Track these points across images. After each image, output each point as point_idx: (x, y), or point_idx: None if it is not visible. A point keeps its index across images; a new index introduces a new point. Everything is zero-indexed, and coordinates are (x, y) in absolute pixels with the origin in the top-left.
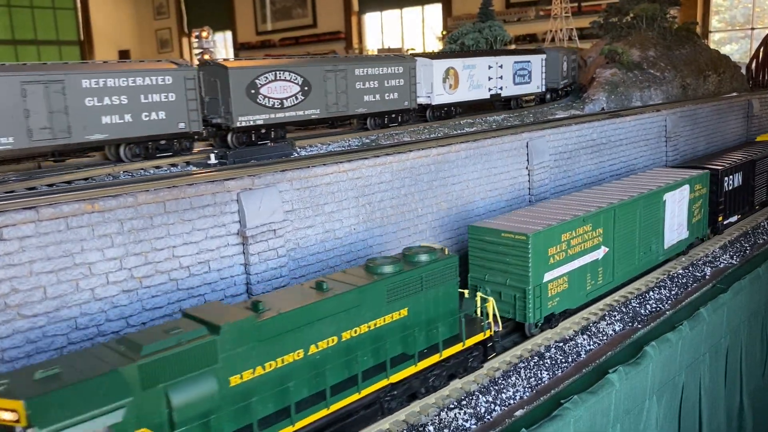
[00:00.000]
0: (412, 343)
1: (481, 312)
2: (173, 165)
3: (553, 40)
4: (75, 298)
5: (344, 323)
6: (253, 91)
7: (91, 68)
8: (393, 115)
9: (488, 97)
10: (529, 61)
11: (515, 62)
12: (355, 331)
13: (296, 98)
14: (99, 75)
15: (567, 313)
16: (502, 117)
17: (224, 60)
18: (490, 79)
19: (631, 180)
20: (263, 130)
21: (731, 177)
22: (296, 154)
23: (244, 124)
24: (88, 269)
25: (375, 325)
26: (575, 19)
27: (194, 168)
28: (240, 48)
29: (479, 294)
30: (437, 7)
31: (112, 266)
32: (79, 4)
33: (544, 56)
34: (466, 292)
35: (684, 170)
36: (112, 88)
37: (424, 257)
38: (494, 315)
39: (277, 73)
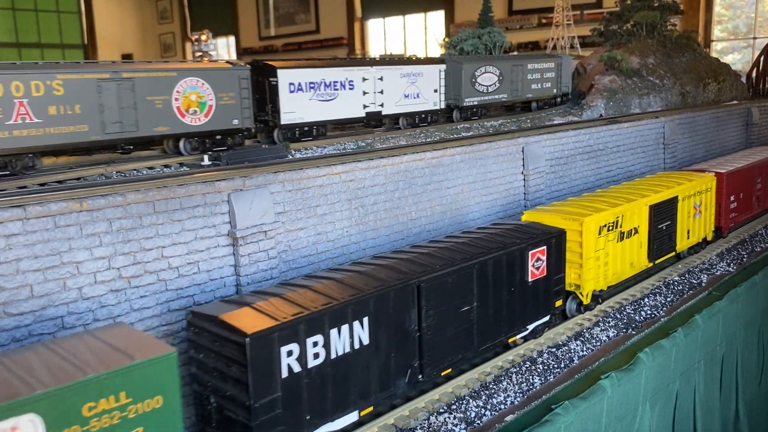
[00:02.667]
0: None
1: None
2: (166, 166)
3: (554, 47)
4: (62, 297)
5: None
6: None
7: (530, 59)
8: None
9: None
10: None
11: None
12: None
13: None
14: (534, 61)
15: None
16: (499, 122)
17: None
18: None
19: None
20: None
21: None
22: (290, 157)
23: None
24: (76, 268)
25: None
26: (577, 27)
27: (187, 169)
28: (243, 53)
29: None
30: (440, 14)
31: (100, 265)
32: (83, 8)
33: None
34: None
35: None
36: (535, 69)
37: None
38: None
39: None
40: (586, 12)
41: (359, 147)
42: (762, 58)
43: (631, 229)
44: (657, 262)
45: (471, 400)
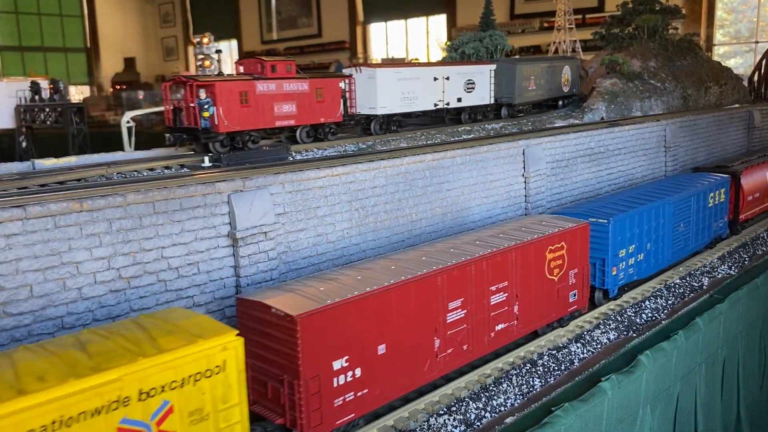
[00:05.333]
0: None
1: None
2: (167, 167)
3: (556, 51)
4: (62, 297)
5: None
6: None
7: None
8: None
9: None
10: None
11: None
12: None
13: None
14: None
15: None
16: (500, 125)
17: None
18: None
19: None
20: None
21: None
22: (291, 158)
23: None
24: (76, 268)
25: None
26: (579, 31)
27: (188, 170)
28: (245, 56)
29: None
30: (442, 18)
31: (100, 266)
32: (86, 12)
33: None
34: None
35: None
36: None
37: None
38: None
39: None
40: (588, 16)
41: (360, 149)
42: (764, 62)
43: None
44: None
45: (471, 402)
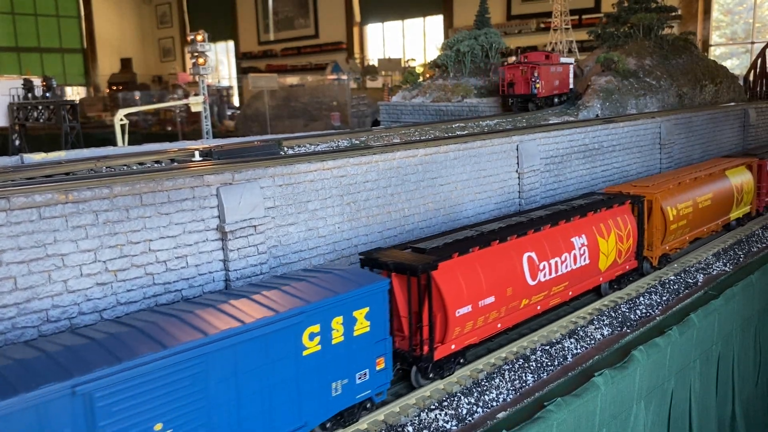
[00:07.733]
0: None
1: None
2: (157, 161)
3: (552, 51)
4: (47, 290)
5: None
6: None
7: None
8: None
9: None
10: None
11: None
12: None
13: None
14: None
15: None
16: (494, 122)
17: None
18: None
19: None
20: None
21: None
22: (282, 153)
23: None
24: (61, 260)
25: None
26: (575, 32)
27: (177, 165)
28: (242, 57)
29: None
30: (439, 19)
31: (86, 258)
32: (82, 12)
33: None
34: None
35: None
36: None
37: None
38: None
39: None
40: (585, 17)
41: (353, 144)
42: (759, 60)
43: None
44: None
45: (463, 397)
